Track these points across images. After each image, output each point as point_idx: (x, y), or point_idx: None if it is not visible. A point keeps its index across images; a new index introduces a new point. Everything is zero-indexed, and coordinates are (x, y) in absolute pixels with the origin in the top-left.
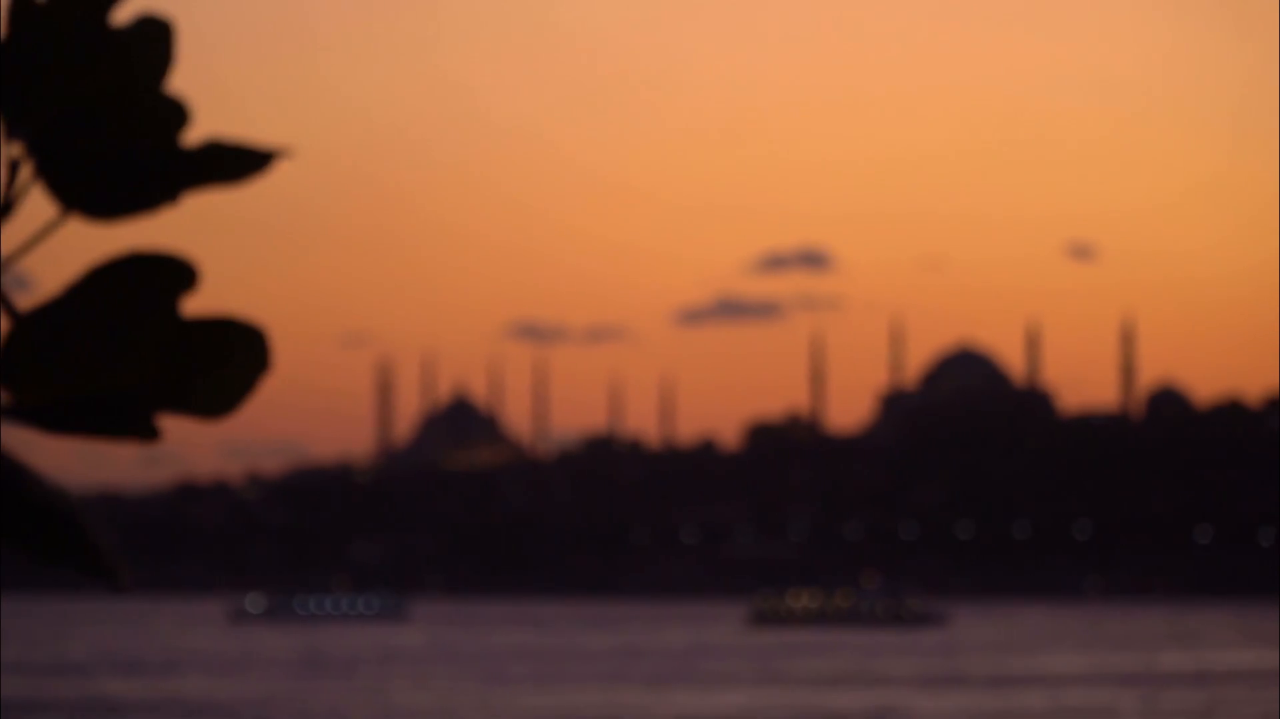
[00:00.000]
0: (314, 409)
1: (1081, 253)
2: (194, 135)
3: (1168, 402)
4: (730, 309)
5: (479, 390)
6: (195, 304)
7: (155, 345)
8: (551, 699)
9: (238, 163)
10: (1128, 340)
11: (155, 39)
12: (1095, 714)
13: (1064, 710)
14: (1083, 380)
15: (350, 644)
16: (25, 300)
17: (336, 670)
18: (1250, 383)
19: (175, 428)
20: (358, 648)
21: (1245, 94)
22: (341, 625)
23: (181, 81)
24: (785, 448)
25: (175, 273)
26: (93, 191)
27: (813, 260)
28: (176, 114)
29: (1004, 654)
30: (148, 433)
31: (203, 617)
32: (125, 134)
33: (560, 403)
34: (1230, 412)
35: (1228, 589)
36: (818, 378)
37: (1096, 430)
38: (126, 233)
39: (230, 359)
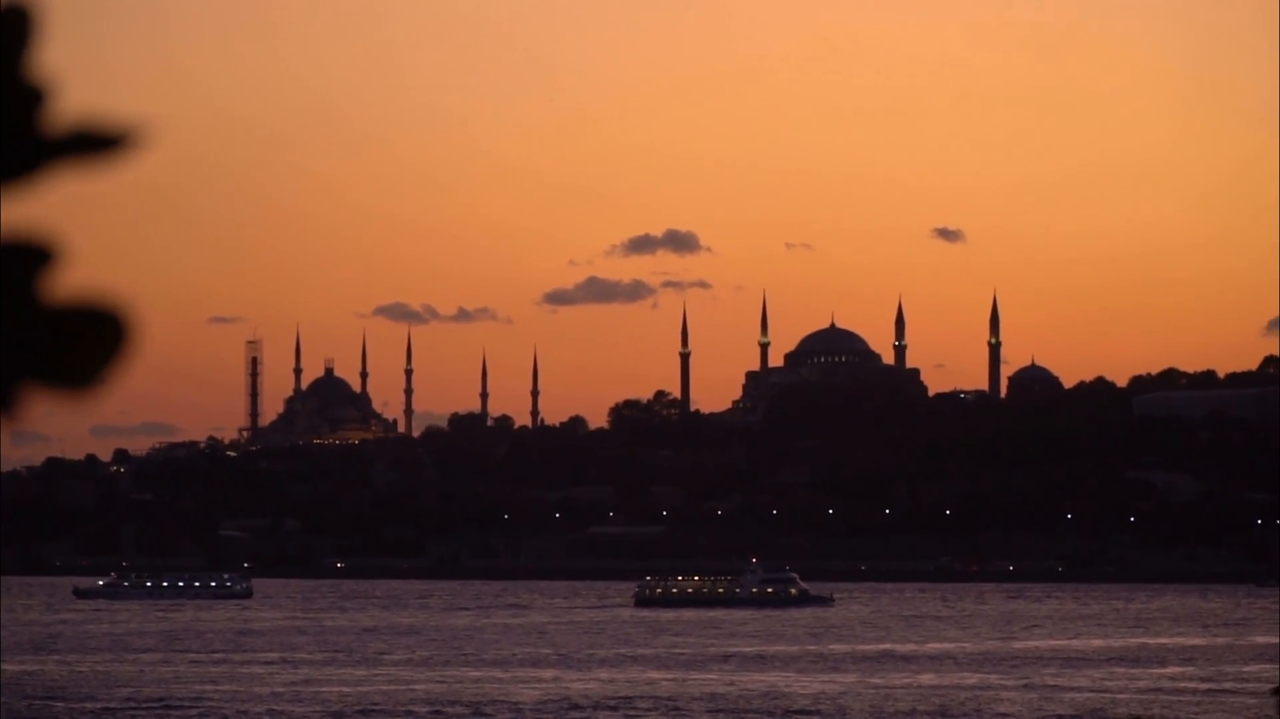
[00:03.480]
0: (183, 388)
1: (948, 235)
2: (64, 114)
3: (1034, 380)
4: (598, 290)
5: (348, 369)
6: (61, 284)
7: (15, 327)
8: (426, 677)
9: (98, 143)
10: (994, 321)
11: (15, 23)
12: (974, 692)
13: (946, 688)
14: (950, 360)
15: (196, 621)
16: None
17: (184, 646)
18: (1115, 363)
19: (44, 408)
20: (205, 625)
21: (1110, 82)
22: (190, 603)
23: (56, 58)
24: (652, 427)
25: (35, 254)
26: None
27: (680, 243)
28: (35, 96)
29: (886, 634)
30: (9, 413)
31: (53, 593)
32: None
33: (428, 382)
34: (1097, 390)
35: (1095, 573)
36: (685, 358)
37: (963, 409)
38: None
39: (93, 339)
